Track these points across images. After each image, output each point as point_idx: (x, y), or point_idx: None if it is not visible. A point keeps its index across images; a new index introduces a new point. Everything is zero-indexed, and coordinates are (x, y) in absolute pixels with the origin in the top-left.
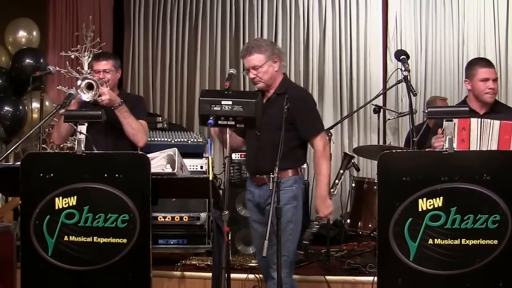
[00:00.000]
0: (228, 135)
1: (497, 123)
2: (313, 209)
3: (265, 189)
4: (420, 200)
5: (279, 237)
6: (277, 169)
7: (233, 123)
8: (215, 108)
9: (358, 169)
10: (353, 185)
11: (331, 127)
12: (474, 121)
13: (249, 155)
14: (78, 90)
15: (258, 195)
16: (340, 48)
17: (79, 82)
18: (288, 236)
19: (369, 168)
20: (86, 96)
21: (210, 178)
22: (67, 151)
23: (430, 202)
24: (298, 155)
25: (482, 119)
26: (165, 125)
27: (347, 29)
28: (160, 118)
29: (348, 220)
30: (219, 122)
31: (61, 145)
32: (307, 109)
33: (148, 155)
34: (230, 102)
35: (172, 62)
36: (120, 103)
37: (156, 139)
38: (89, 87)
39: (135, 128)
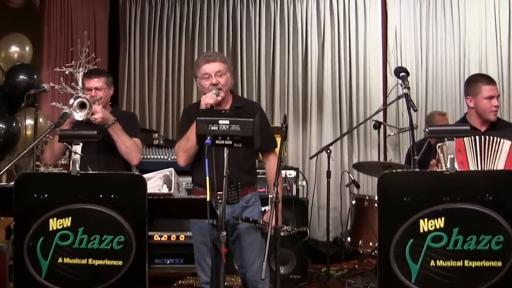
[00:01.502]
0: (226, 154)
1: (508, 143)
2: (265, 218)
3: (235, 206)
4: (421, 221)
5: (277, 258)
6: (276, 188)
7: (230, 142)
8: (212, 128)
9: (358, 186)
10: (354, 202)
11: (331, 144)
12: (467, 141)
13: (211, 170)
14: (71, 109)
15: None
16: (339, 63)
17: (71, 101)
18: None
19: (369, 185)
20: (79, 115)
21: (208, 199)
22: (61, 168)
23: (431, 223)
24: (255, 171)
25: (487, 136)
26: (162, 141)
27: (346, 43)
28: (156, 134)
29: (349, 238)
30: (217, 142)
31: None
32: (267, 123)
33: (144, 176)
34: (228, 122)
35: (169, 77)
36: (114, 121)
37: (152, 156)
38: (82, 106)
39: (129, 147)
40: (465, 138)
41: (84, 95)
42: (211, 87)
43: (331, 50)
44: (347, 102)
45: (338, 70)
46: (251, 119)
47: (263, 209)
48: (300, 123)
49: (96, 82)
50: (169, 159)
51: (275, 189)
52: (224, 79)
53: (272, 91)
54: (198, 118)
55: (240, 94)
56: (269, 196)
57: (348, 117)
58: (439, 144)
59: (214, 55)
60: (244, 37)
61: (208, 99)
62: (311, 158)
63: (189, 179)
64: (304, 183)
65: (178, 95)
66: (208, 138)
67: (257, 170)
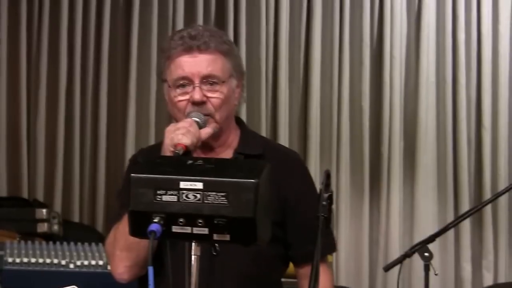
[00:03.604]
0: (194, 258)
1: None
2: None
3: None
4: None
5: None
6: None
7: (205, 231)
8: (164, 199)
9: None
10: None
11: (433, 238)
12: None
13: None
14: None
15: None
16: (454, 53)
17: None
18: None
19: None
20: None
21: None
22: None
23: None
24: None
25: None
26: (55, 227)
27: (469, 14)
28: (45, 211)
29: None
30: (174, 229)
31: None
32: (313, 200)
33: None
34: (200, 185)
35: (74, 89)
36: None
37: (33, 259)
38: None
39: None
40: None
41: None
42: (189, 110)
43: (437, 28)
44: (470, 143)
45: (452, 69)
46: (252, 180)
47: None
48: (365, 189)
49: None
50: (71, 265)
51: None
52: (222, 94)
53: (302, 115)
54: (132, 175)
55: None
56: None
57: (472, 176)
58: None
59: (205, 37)
60: (242, 2)
61: (179, 136)
62: (386, 269)
63: None
64: None
65: (95, 127)
66: (155, 220)
67: None
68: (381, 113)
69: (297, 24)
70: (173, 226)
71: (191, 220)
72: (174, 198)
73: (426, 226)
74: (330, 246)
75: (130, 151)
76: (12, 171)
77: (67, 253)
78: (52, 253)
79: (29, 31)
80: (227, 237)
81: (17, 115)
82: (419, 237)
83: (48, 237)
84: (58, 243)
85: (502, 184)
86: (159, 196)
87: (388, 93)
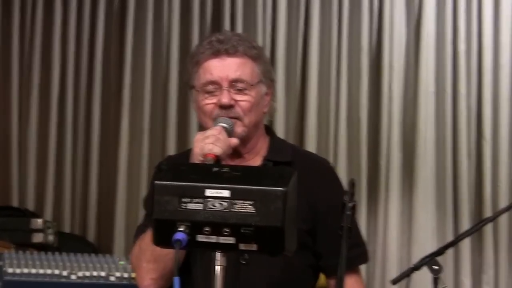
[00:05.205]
0: (219, 269)
1: None
2: None
3: None
4: None
5: None
6: None
7: (232, 240)
8: (189, 207)
9: None
10: None
11: (442, 250)
12: None
13: None
14: None
15: None
16: (454, 63)
17: None
18: None
19: None
20: None
21: None
22: None
23: None
24: None
25: None
26: (50, 237)
27: (470, 24)
28: (40, 221)
29: None
30: (199, 238)
31: None
32: (339, 203)
33: None
34: (227, 193)
35: (66, 97)
36: None
37: (33, 270)
38: None
39: None
40: None
41: None
42: (216, 113)
43: (437, 34)
44: (471, 155)
45: (453, 82)
46: (281, 188)
47: None
48: (362, 201)
49: None
50: (72, 276)
51: None
52: (251, 97)
53: (299, 125)
54: (156, 182)
55: None
56: None
57: (472, 192)
58: None
59: (233, 41)
60: (239, 9)
61: (210, 145)
62: (394, 282)
63: None
64: None
65: (87, 133)
66: (180, 228)
67: None
68: (379, 124)
69: (294, 32)
70: (198, 235)
71: (217, 229)
72: (199, 206)
73: (424, 238)
74: (362, 256)
75: (123, 160)
76: (3, 181)
77: (68, 264)
78: (53, 263)
79: (22, 38)
80: (254, 247)
81: (8, 124)
82: (418, 249)
83: (43, 247)
84: (57, 253)
85: (503, 197)
86: (184, 204)
87: (387, 103)
